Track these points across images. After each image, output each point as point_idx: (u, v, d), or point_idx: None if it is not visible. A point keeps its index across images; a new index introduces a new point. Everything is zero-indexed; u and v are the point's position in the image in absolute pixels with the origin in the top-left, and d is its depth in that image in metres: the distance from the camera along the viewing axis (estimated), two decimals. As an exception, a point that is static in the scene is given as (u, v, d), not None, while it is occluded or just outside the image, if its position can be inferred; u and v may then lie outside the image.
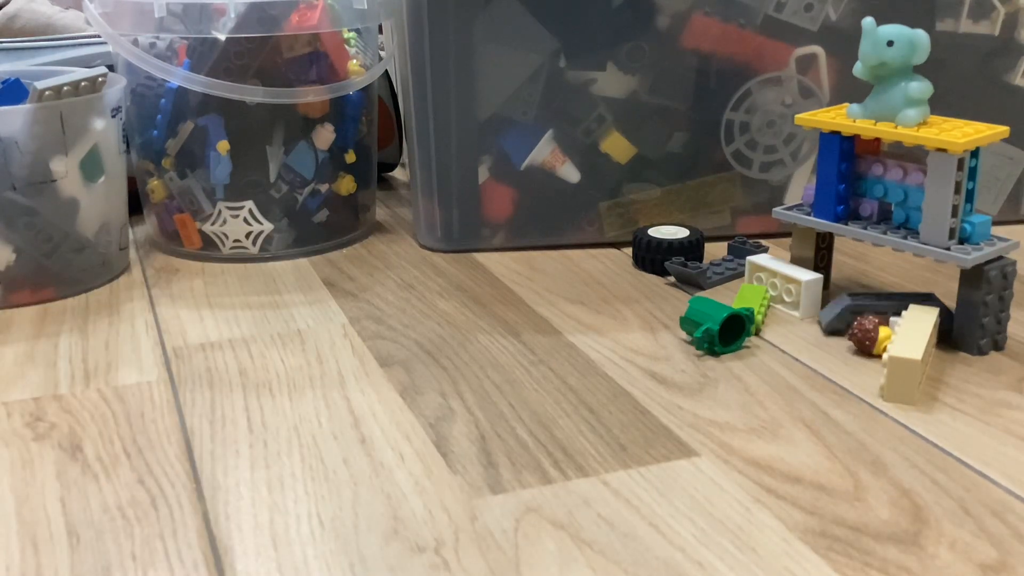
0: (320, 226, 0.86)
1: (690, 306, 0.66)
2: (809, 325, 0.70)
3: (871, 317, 0.64)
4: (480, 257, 0.84)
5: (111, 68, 0.88)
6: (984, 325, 0.64)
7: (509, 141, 0.83)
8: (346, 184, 0.86)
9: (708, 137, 0.84)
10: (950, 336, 0.66)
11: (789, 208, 0.72)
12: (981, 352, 0.65)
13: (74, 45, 0.97)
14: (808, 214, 0.71)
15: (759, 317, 0.69)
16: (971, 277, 0.64)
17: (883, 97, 0.65)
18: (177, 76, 0.78)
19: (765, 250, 0.80)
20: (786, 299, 0.72)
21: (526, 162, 0.83)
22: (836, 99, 0.85)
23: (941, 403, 0.59)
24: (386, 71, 1.04)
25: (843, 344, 0.67)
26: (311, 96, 0.80)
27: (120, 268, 0.81)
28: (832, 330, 0.68)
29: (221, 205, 0.83)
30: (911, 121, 0.64)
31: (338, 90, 0.82)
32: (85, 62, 0.93)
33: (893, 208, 0.68)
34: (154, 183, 0.85)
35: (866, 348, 0.64)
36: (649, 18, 0.81)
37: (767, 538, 0.46)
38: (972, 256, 0.62)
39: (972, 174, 0.64)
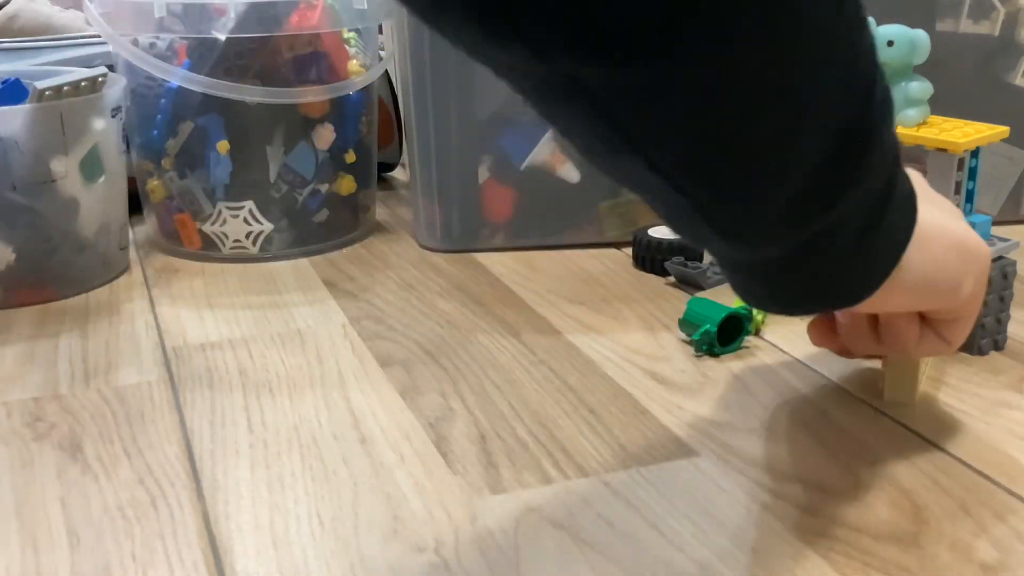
0: (320, 226, 0.86)
1: (688, 307, 0.66)
2: (809, 325, 0.70)
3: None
4: (480, 257, 0.84)
5: (111, 68, 0.87)
6: (984, 325, 0.64)
7: (509, 141, 0.83)
8: (346, 184, 0.86)
9: (708, 137, 0.84)
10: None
11: (789, 208, 0.72)
12: (981, 352, 0.65)
13: (74, 45, 0.97)
14: (808, 214, 0.71)
15: (759, 317, 0.69)
16: (971, 277, 0.64)
17: (883, 97, 0.65)
18: (177, 76, 0.78)
19: (765, 250, 0.80)
20: (786, 299, 0.72)
21: (526, 162, 0.83)
22: (836, 99, 0.84)
23: (941, 403, 0.59)
24: (386, 71, 1.04)
25: (843, 344, 0.67)
26: (311, 96, 0.80)
27: (120, 268, 0.81)
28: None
29: (221, 205, 0.83)
30: (911, 121, 0.64)
31: (338, 90, 0.82)
32: (85, 62, 0.93)
33: (893, 208, 0.68)
34: (154, 183, 0.85)
35: (866, 348, 0.64)
36: (649, 18, 0.80)
37: (767, 538, 0.46)
38: (972, 256, 0.62)
39: (972, 174, 0.64)
